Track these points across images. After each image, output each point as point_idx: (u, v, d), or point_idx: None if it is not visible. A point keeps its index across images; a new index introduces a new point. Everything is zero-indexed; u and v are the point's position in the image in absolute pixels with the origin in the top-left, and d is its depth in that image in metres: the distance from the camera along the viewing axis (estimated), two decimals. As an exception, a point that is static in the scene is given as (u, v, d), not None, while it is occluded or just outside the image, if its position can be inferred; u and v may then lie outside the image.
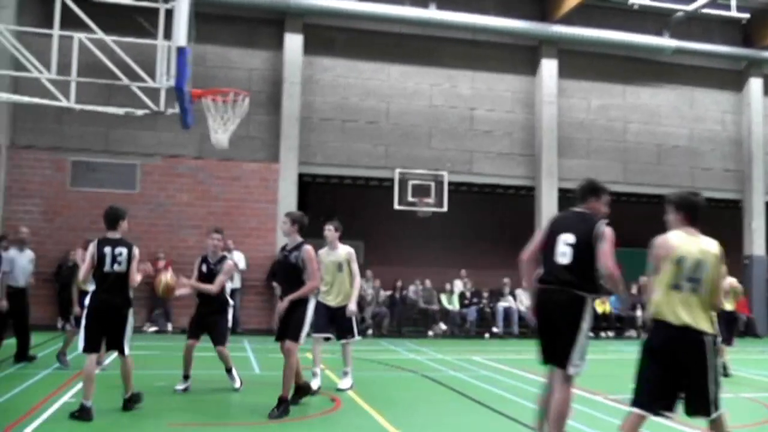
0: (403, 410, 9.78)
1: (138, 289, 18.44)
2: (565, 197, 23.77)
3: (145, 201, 20.64)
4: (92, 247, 8.90)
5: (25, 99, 14.28)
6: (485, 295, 22.72)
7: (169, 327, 19.91)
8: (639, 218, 26.23)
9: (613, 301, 23.22)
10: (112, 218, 9.12)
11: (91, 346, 8.65)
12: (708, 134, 25.59)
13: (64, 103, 12.41)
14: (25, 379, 11.03)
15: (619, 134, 24.73)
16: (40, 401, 9.44)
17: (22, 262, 13.01)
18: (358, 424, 8.75)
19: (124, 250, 8.85)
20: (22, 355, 13.05)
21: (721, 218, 25.92)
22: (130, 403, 8.98)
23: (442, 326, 21.93)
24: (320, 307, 10.52)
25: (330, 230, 11.54)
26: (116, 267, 8.83)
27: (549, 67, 23.76)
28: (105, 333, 8.79)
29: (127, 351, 8.89)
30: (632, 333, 22.97)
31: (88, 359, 8.59)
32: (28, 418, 8.45)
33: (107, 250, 8.82)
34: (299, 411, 9.10)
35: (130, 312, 8.95)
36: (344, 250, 11.37)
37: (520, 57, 24.00)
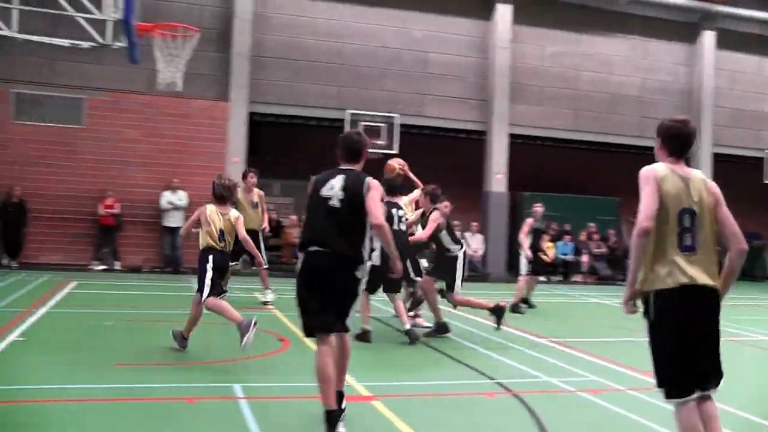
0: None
1: (84, 227, 18.25)
2: (516, 143, 23.89)
3: (92, 137, 20.19)
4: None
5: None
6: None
7: (117, 265, 19.67)
8: (588, 166, 26.63)
9: (560, 246, 23.54)
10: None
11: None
12: (659, 85, 25.76)
13: (5, 32, 12.05)
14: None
15: (572, 82, 24.77)
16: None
17: None
18: (305, 363, 8.70)
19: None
20: None
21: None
22: None
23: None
24: None
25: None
26: None
27: (503, 12, 23.63)
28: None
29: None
30: (578, 278, 23.38)
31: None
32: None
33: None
34: (252, 352, 9.04)
35: None
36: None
37: (474, 1, 23.81)
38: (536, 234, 15.65)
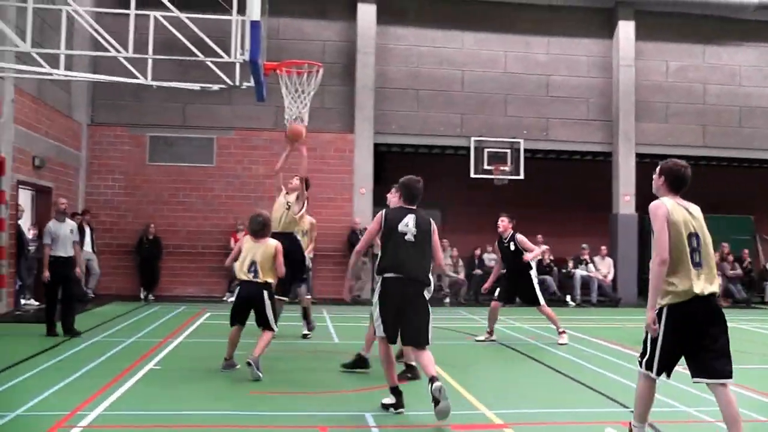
0: (480, 378, 9.82)
1: (216, 261, 18.82)
2: (643, 162, 23.40)
3: (222, 174, 21.05)
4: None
5: (104, 78, 14.66)
6: (570, 262, 22.48)
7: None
8: (720, 183, 25.82)
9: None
10: None
11: None
12: (792, 94, 24.71)
13: (141, 80, 12.65)
14: (112, 347, 11.35)
15: (699, 96, 24.10)
16: (128, 366, 9.75)
17: (64, 232, 12.84)
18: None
19: None
20: (68, 326, 12.78)
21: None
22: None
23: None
24: None
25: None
26: None
27: (626, 29, 23.25)
28: None
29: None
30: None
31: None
32: (117, 382, 8.75)
33: None
34: (375, 377, 9.15)
35: None
36: None
37: (596, 20, 23.54)
38: None
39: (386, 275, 7.71)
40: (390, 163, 24.15)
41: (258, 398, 8.33)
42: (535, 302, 13.36)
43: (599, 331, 15.08)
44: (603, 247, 22.84)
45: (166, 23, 12.51)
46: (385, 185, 22.40)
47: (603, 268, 22.49)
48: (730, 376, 5.91)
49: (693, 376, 6.06)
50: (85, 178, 20.78)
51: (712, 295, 5.96)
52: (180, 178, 21.02)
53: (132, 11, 12.28)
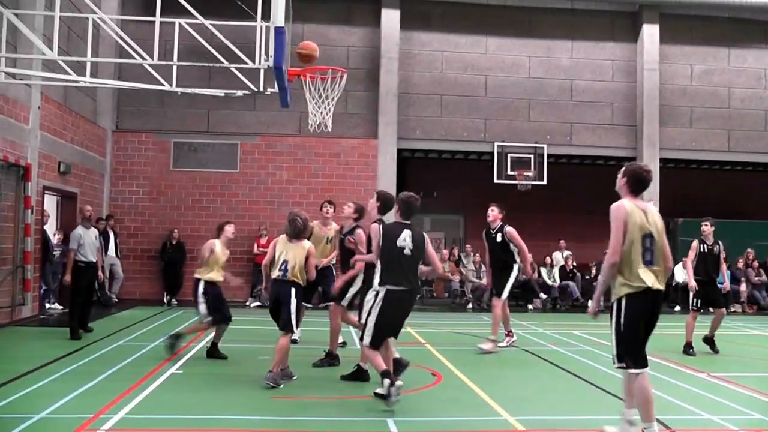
0: (503, 384, 9.81)
1: (240, 266, 18.88)
2: (667, 167, 23.27)
3: (246, 180, 21.16)
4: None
5: (129, 84, 14.79)
6: (593, 268, 22.35)
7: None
8: (745, 188, 25.61)
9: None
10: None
11: None
12: (818, 98, 24.44)
13: (166, 87, 12.71)
14: (135, 351, 11.42)
15: (724, 100, 23.93)
16: (151, 371, 9.83)
17: (89, 239, 13.33)
18: (458, 398, 8.80)
19: None
20: (83, 324, 13.53)
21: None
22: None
23: (543, 298, 21.73)
24: None
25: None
26: None
27: (650, 32, 23.15)
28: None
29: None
30: (737, 308, 22.10)
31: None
32: (139, 386, 8.84)
33: None
34: (406, 387, 9.16)
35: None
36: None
37: (621, 24, 23.47)
38: (707, 259, 13.24)
39: (389, 287, 8.28)
40: (413, 168, 24.16)
41: (280, 403, 8.36)
42: (499, 292, 12.87)
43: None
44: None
45: (190, 30, 12.59)
46: (408, 190, 22.68)
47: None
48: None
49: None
50: (109, 184, 20.94)
51: (660, 291, 6.75)
52: (204, 184, 21.13)
53: (157, 18, 12.37)
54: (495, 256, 13.11)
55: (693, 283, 12.98)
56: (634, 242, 6.68)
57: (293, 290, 9.52)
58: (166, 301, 19.86)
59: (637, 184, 6.96)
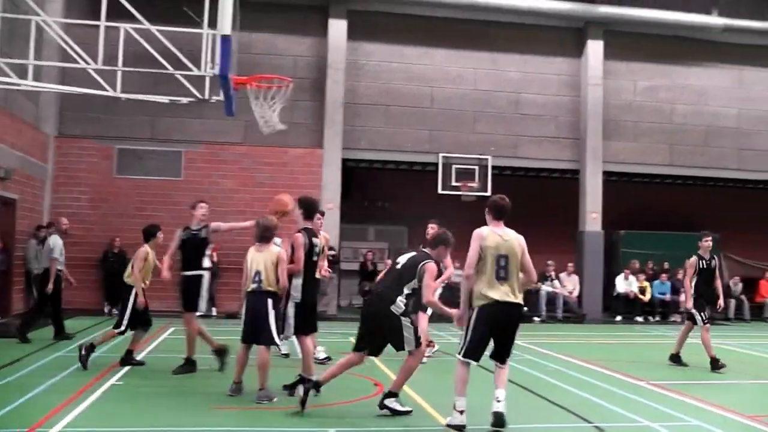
0: (443, 393, 9.80)
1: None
2: (610, 180, 23.59)
3: (190, 188, 20.83)
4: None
5: (73, 89, 14.57)
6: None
7: (213, 311, 19.98)
8: (686, 201, 26.05)
9: (657, 286, 23.05)
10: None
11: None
12: (758, 114, 24.93)
13: (110, 92, 12.59)
14: (75, 361, 11.22)
15: (667, 116, 24.34)
16: (90, 382, 9.69)
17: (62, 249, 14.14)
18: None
19: None
20: (61, 332, 14.23)
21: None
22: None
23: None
24: None
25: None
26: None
27: (595, 48, 23.47)
28: None
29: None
30: (677, 318, 22.49)
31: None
32: (78, 397, 8.69)
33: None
34: (340, 395, 9.13)
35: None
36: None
37: (567, 39, 23.74)
38: (704, 274, 12.97)
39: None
40: (358, 179, 24.17)
41: (221, 413, 8.30)
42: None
43: (565, 347, 15.15)
44: (570, 264, 22.95)
45: (136, 35, 12.48)
46: (353, 200, 22.68)
47: (569, 285, 22.61)
48: (504, 362, 8.02)
49: (490, 357, 8.07)
50: (51, 191, 20.57)
51: (511, 303, 7.89)
52: (148, 192, 20.83)
53: (102, 23, 12.24)
54: None
55: (690, 304, 12.84)
56: (490, 262, 7.89)
57: (270, 301, 9.08)
58: (106, 311, 19.53)
59: (497, 212, 8.30)
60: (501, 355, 8.04)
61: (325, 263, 12.30)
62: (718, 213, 24.53)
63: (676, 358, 12.95)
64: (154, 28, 12.45)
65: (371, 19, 22.64)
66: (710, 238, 13.15)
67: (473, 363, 7.98)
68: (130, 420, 7.90)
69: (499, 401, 7.78)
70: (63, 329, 14.28)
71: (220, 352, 10.72)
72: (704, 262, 12.96)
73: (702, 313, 12.73)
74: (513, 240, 8.11)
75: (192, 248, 11.39)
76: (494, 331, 7.94)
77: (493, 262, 7.89)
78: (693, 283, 12.90)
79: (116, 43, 12.50)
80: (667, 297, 23.18)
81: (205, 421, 7.91)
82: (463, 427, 7.72)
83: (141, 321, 11.46)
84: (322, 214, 11.98)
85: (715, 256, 13.21)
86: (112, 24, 12.44)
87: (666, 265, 23.73)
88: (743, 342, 16.98)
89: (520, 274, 8.06)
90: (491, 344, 8.05)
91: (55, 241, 14.02)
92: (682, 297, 22.38)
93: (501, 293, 7.84)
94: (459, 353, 8.00)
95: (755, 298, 24.48)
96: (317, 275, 10.23)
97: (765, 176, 24.67)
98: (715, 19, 23.41)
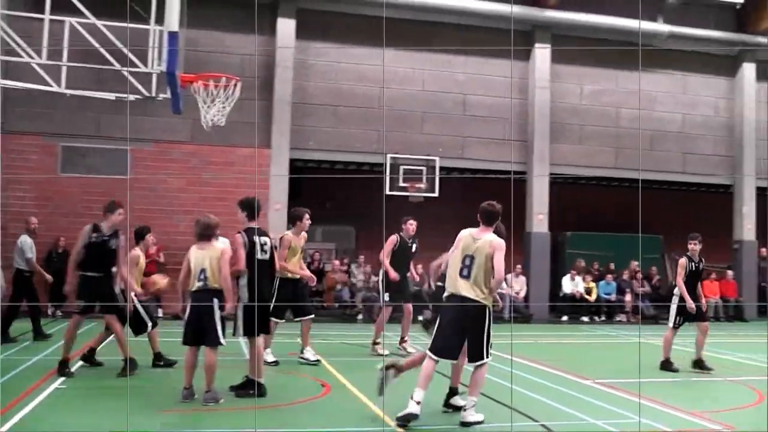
0: (393, 395, 9.79)
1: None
2: (557, 182, 23.81)
3: (137, 187, 20.55)
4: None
5: (15, 84, 14.29)
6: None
7: (160, 313, 19.74)
8: (632, 204, 26.34)
9: (603, 286, 23.32)
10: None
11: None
12: (701, 120, 25.50)
13: (54, 88, 12.38)
14: (17, 365, 11.03)
15: (613, 120, 24.65)
16: (32, 386, 9.53)
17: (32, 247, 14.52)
18: (347, 409, 8.79)
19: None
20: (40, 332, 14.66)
21: (712, 204, 26.03)
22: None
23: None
24: None
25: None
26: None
27: (542, 52, 23.68)
28: None
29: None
30: (622, 318, 22.92)
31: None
32: (20, 401, 8.56)
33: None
34: (287, 397, 9.09)
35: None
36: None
37: (514, 42, 23.85)
38: (692, 276, 12.88)
39: None
40: (306, 179, 24.06)
41: (168, 417, 8.21)
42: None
43: (513, 347, 15.19)
44: (518, 266, 23.10)
45: (82, 30, 12.29)
46: (300, 201, 22.58)
47: (516, 286, 22.77)
48: (475, 360, 8.35)
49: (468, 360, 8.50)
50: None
51: (468, 298, 8.29)
52: (94, 190, 20.39)
53: (46, 16, 12.05)
54: (407, 265, 14.21)
55: (692, 303, 12.55)
56: (458, 260, 8.47)
57: (215, 300, 8.93)
58: (50, 313, 19.15)
59: (486, 217, 8.78)
60: (469, 354, 8.45)
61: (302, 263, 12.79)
62: (661, 215, 24.89)
63: (700, 364, 12.72)
64: (99, 23, 12.30)
65: (320, 19, 22.55)
66: (698, 240, 12.93)
67: (442, 360, 8.42)
68: (71, 425, 7.80)
69: (465, 410, 8.31)
70: (41, 329, 14.63)
71: (132, 363, 10.67)
72: (693, 264, 12.87)
73: (679, 317, 12.74)
74: (483, 243, 8.47)
75: (97, 255, 11.03)
76: (456, 328, 8.32)
77: (460, 260, 8.45)
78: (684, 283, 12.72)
79: (61, 38, 12.30)
80: (613, 297, 23.46)
81: (149, 423, 7.78)
82: (416, 416, 8.03)
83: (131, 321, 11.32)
84: (311, 214, 12.91)
85: (702, 259, 13.06)
86: (57, 17, 12.25)
87: (612, 266, 24.02)
88: (688, 341, 17.26)
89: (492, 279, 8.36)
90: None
91: (24, 240, 14.10)
92: (627, 297, 22.98)
93: (460, 288, 8.35)
94: (429, 348, 8.48)
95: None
96: (279, 274, 10.61)
97: (708, 179, 25.18)
98: (660, 26, 23.81)
